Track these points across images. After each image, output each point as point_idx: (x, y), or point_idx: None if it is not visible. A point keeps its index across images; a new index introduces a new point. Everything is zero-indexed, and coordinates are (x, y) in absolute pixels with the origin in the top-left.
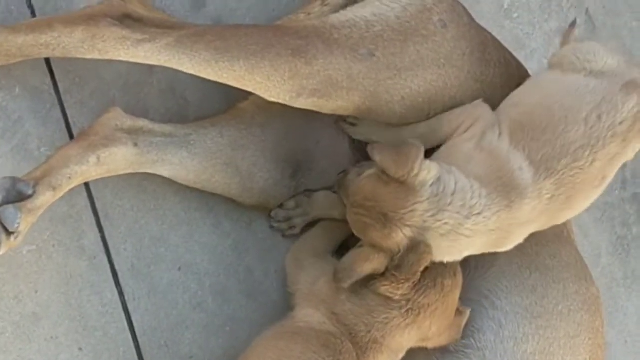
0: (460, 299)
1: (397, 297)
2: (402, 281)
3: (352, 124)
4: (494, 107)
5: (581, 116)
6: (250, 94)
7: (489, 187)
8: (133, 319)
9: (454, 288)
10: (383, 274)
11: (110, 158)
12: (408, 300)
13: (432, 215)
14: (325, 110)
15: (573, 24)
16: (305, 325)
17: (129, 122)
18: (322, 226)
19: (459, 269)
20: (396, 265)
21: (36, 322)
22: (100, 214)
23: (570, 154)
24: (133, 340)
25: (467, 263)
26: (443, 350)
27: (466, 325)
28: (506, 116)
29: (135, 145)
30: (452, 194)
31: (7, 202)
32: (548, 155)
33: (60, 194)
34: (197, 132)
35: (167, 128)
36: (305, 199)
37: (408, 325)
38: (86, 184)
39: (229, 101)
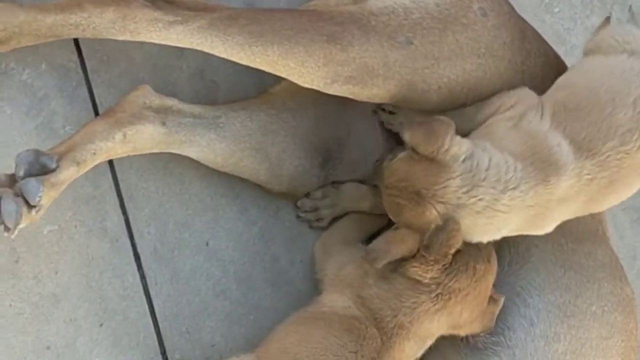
0: (494, 286)
1: (426, 280)
2: (432, 263)
3: (391, 112)
4: None
5: (629, 100)
6: (281, 79)
7: (525, 161)
8: (154, 303)
9: (487, 273)
10: (414, 256)
11: (137, 135)
12: (438, 284)
13: (466, 192)
14: (360, 98)
15: (607, 20)
16: (329, 310)
17: (157, 100)
18: (352, 217)
19: (494, 255)
20: (425, 245)
21: (55, 303)
22: (124, 196)
23: (617, 137)
24: (154, 325)
25: (501, 259)
26: (472, 347)
27: (496, 322)
28: (550, 99)
29: (163, 124)
30: (487, 169)
31: (30, 174)
32: (592, 136)
33: (85, 169)
34: (227, 114)
35: (196, 109)
36: (333, 190)
37: (437, 310)
38: (111, 165)
39: (259, 86)
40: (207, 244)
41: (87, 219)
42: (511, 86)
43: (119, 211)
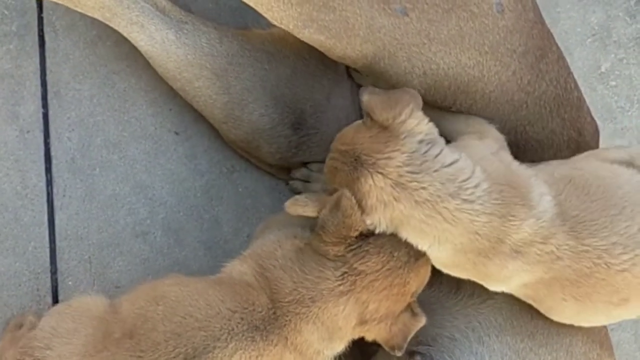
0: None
1: (330, 257)
2: (331, 243)
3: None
4: (529, 134)
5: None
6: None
7: (494, 185)
8: (56, 216)
9: (408, 269)
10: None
11: None
12: (344, 263)
13: (411, 172)
14: (331, 54)
15: None
16: (224, 274)
17: None
18: None
19: (428, 261)
20: (320, 225)
21: None
22: (50, 89)
23: (605, 241)
24: (50, 240)
25: (461, 289)
26: None
27: (442, 353)
28: (559, 164)
29: None
30: (444, 166)
31: None
32: (583, 220)
33: None
34: (195, 25)
35: (163, 2)
36: None
37: (343, 293)
38: (42, 49)
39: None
40: (137, 176)
41: None
42: (508, 103)
43: (39, 103)
